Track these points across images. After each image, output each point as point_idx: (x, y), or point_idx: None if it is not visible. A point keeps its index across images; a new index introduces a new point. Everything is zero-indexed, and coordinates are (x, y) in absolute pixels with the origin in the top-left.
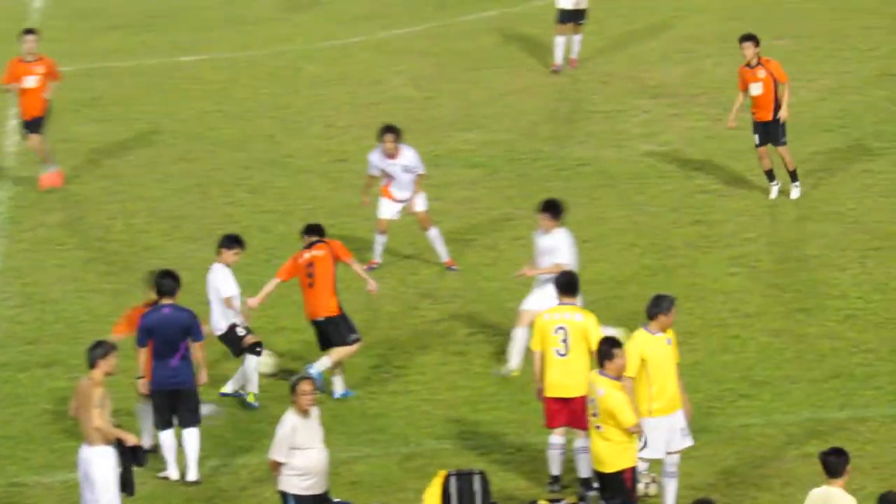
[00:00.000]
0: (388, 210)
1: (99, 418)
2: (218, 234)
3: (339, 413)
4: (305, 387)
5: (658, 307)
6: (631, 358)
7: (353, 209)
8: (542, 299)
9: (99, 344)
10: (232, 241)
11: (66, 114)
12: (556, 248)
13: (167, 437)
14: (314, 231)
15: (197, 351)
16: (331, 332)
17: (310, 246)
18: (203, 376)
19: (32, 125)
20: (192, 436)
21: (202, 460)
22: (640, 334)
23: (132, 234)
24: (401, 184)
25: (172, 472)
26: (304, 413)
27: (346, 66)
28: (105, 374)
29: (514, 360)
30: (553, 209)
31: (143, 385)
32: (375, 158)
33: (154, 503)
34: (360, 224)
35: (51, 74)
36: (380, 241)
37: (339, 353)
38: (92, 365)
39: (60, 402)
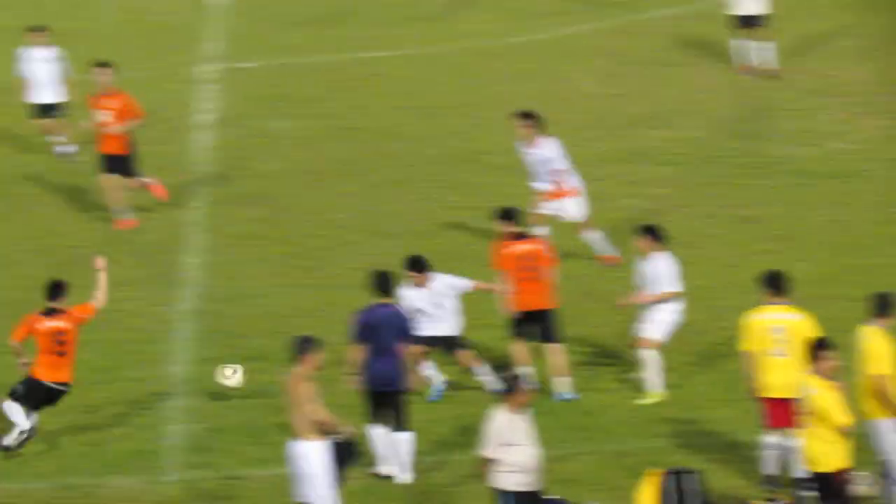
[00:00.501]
0: (571, 208)
1: (313, 413)
2: (415, 230)
3: (551, 410)
4: (524, 387)
5: (891, 305)
6: (884, 355)
7: None
8: (660, 326)
9: (305, 339)
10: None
11: (258, 110)
12: (660, 274)
13: (378, 434)
14: (509, 217)
15: (411, 353)
16: (549, 324)
17: (520, 238)
18: (414, 380)
19: (111, 163)
20: (404, 440)
21: (417, 455)
22: (878, 331)
23: (332, 229)
24: (537, 175)
25: (385, 468)
26: (517, 410)
27: (533, 63)
28: (312, 370)
29: (656, 381)
30: (652, 232)
31: (354, 382)
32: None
33: (370, 498)
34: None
35: (127, 112)
36: (595, 238)
37: (554, 351)
38: (298, 360)
39: (269, 396)
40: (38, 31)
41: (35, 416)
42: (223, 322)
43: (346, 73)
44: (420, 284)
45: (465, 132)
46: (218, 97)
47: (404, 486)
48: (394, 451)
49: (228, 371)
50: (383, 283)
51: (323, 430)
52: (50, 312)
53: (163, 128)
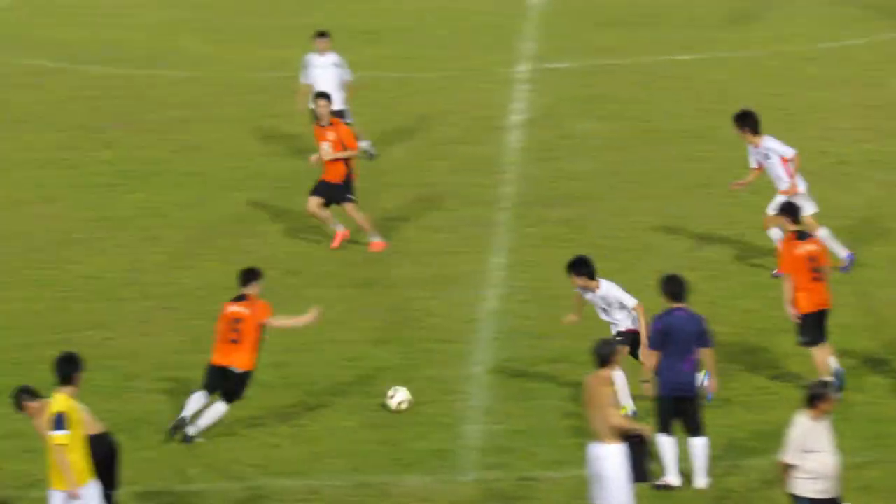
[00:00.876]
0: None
1: (615, 417)
2: (720, 234)
3: (848, 416)
4: (832, 394)
5: None
6: None
7: (847, 211)
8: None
9: (607, 342)
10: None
11: (568, 111)
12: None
13: (668, 442)
14: (791, 213)
15: (708, 357)
16: (825, 324)
17: (803, 238)
18: (714, 383)
19: (331, 191)
20: (699, 445)
21: (714, 459)
22: None
23: (635, 231)
24: (772, 173)
25: (673, 479)
26: (819, 416)
27: (847, 69)
28: (613, 374)
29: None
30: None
31: (649, 388)
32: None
33: (663, 501)
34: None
35: (344, 142)
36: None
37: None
38: (602, 363)
39: (568, 398)
40: (320, 38)
41: (208, 398)
42: (525, 323)
43: (656, 75)
44: None
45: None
46: (530, 97)
47: (699, 491)
48: (674, 458)
49: (390, 392)
50: (676, 288)
51: (622, 434)
52: (239, 298)
53: (475, 127)
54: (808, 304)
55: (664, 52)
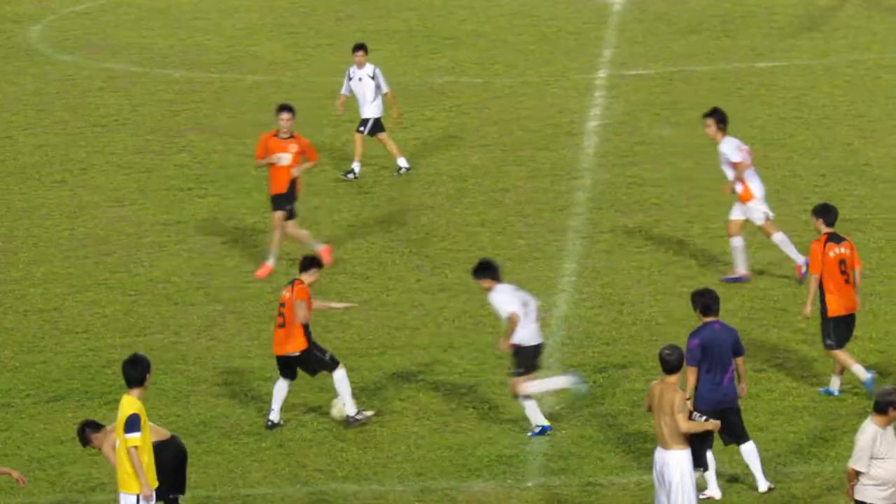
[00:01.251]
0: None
1: (683, 423)
2: (795, 241)
3: None
4: None
5: None
6: None
7: None
8: None
9: (674, 348)
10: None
11: (645, 117)
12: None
13: (711, 458)
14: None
15: (741, 364)
16: (852, 328)
17: (836, 241)
18: (744, 388)
19: (276, 201)
20: (751, 450)
21: (777, 467)
22: None
23: (709, 238)
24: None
25: (716, 492)
26: (887, 424)
27: None
28: (679, 380)
29: None
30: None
31: (689, 404)
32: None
33: None
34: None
35: (305, 154)
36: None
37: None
38: (669, 369)
39: (635, 404)
40: (357, 50)
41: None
42: (595, 329)
43: (734, 83)
44: None
45: (850, 144)
46: (607, 103)
47: (762, 496)
48: (714, 471)
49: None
50: (709, 301)
51: (687, 440)
52: (289, 283)
53: (552, 132)
54: (836, 308)
55: (742, 60)
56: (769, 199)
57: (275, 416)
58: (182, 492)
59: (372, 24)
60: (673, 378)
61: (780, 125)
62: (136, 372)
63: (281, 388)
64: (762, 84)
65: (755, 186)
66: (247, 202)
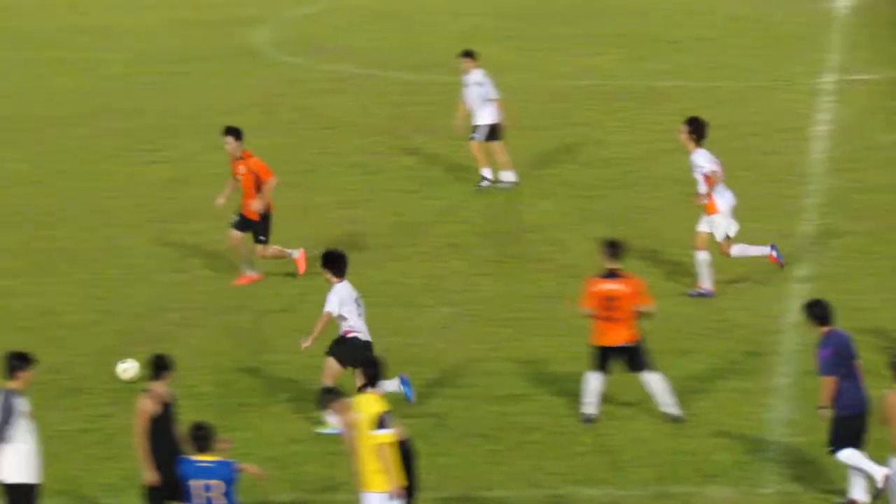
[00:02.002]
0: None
1: None
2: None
3: None
4: None
5: None
6: None
7: None
8: None
9: None
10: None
11: (873, 122)
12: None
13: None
14: None
15: (860, 369)
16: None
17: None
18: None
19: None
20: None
21: None
22: None
23: None
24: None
25: (860, 495)
26: None
27: None
28: None
29: None
30: None
31: (826, 414)
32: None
33: None
34: None
35: (258, 174)
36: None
37: None
38: None
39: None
40: (463, 57)
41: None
42: None
43: None
44: None
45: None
46: (835, 108)
47: None
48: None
49: (122, 366)
50: (823, 311)
51: None
52: (609, 275)
53: (780, 138)
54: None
55: None
56: None
57: (591, 409)
58: (412, 494)
59: (593, 26)
60: None
61: None
62: (376, 371)
63: (595, 380)
64: None
65: (722, 201)
66: (475, 204)
